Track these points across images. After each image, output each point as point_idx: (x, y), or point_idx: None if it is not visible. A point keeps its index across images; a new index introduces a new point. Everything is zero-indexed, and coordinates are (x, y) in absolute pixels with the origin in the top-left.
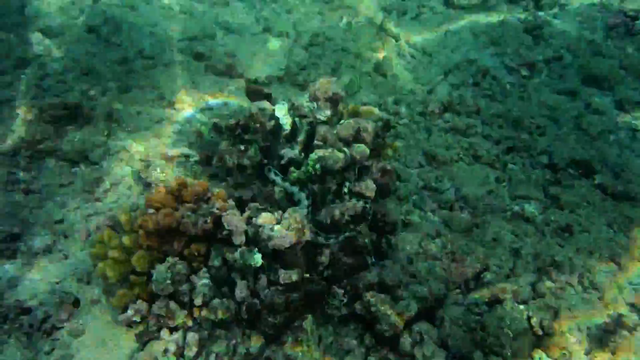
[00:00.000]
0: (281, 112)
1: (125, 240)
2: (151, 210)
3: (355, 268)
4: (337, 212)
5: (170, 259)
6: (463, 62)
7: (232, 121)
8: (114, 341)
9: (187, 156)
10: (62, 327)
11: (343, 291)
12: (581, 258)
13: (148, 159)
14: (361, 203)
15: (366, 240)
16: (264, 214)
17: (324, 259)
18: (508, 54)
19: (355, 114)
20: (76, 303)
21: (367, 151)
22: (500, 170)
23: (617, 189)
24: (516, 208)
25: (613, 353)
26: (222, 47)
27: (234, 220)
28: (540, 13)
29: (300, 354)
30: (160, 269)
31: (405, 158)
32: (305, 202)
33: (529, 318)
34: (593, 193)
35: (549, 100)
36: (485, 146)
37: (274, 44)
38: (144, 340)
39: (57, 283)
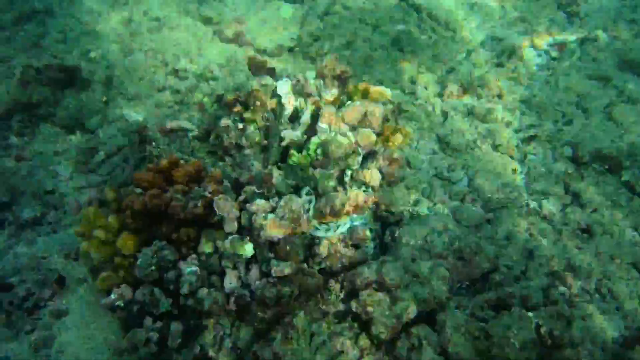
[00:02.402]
0: (284, 89)
1: (112, 220)
2: (138, 190)
3: (354, 262)
4: (337, 202)
5: (157, 243)
6: (488, 41)
7: (231, 97)
8: (97, 324)
9: (186, 130)
10: (45, 306)
11: (340, 286)
12: (600, 263)
13: (145, 130)
14: (363, 193)
15: (368, 233)
16: (258, 201)
17: (322, 250)
18: (538, 32)
19: (365, 94)
20: (61, 281)
21: (374, 137)
22: (519, 162)
23: None
24: (533, 204)
25: None
26: (232, 12)
27: (226, 205)
28: None
29: (289, 352)
30: (145, 254)
31: (418, 143)
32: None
33: (537, 327)
34: (619, 192)
35: (578, 86)
36: (504, 134)
37: (287, 10)
38: (128, 326)
39: (43, 258)
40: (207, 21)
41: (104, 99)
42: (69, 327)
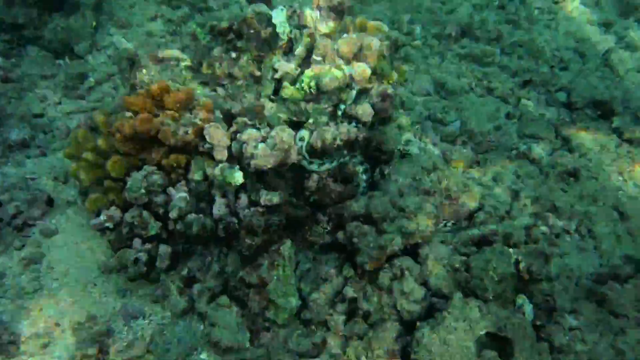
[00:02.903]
0: (279, 18)
1: (101, 142)
2: (129, 114)
3: (343, 196)
4: (328, 136)
5: (147, 168)
6: None
7: (224, 25)
8: (87, 244)
9: (177, 60)
10: (34, 225)
11: (327, 219)
12: (583, 205)
13: (135, 58)
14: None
15: (358, 168)
16: (249, 130)
17: (312, 184)
18: None
19: (362, 29)
20: (50, 202)
21: (369, 72)
22: (513, 106)
23: (634, 134)
24: (523, 147)
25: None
26: None
27: (217, 133)
28: None
29: (275, 277)
30: (135, 177)
31: (412, 84)
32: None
33: (517, 262)
34: (608, 137)
35: (578, 31)
36: (500, 78)
37: None
38: (117, 247)
39: (32, 180)
40: None
41: (94, 24)
42: (58, 246)
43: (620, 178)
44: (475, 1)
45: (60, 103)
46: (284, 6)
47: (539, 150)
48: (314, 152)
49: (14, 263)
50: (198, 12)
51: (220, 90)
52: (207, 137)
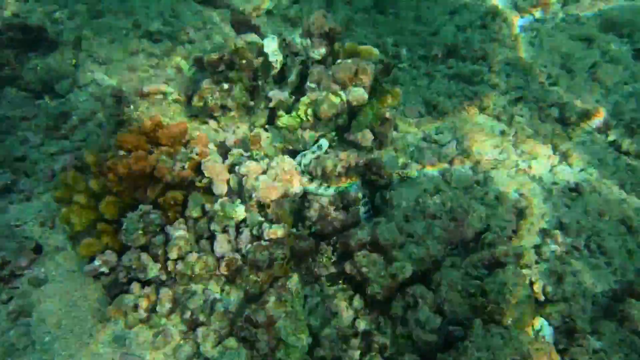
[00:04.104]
0: (270, 47)
1: (93, 184)
2: (122, 152)
3: (345, 224)
4: (329, 163)
5: (143, 207)
6: (471, 2)
7: (215, 56)
8: (79, 292)
9: (164, 93)
10: (22, 275)
11: (332, 248)
12: (589, 221)
13: (120, 94)
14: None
15: (359, 195)
16: (248, 163)
17: (313, 213)
18: None
19: (352, 54)
20: (38, 249)
21: (366, 96)
22: (507, 123)
23: (636, 149)
24: (522, 164)
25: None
26: None
27: (215, 167)
28: None
29: (283, 314)
30: (131, 218)
31: (404, 106)
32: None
33: (531, 283)
34: (606, 151)
35: (563, 47)
36: (491, 96)
37: None
38: (113, 293)
39: (17, 226)
40: None
41: (74, 62)
42: (49, 296)
43: (622, 191)
44: (458, 22)
45: (42, 144)
46: (275, 35)
47: (538, 166)
48: (312, 180)
49: (1, 318)
50: (180, 44)
51: (211, 122)
52: (205, 171)
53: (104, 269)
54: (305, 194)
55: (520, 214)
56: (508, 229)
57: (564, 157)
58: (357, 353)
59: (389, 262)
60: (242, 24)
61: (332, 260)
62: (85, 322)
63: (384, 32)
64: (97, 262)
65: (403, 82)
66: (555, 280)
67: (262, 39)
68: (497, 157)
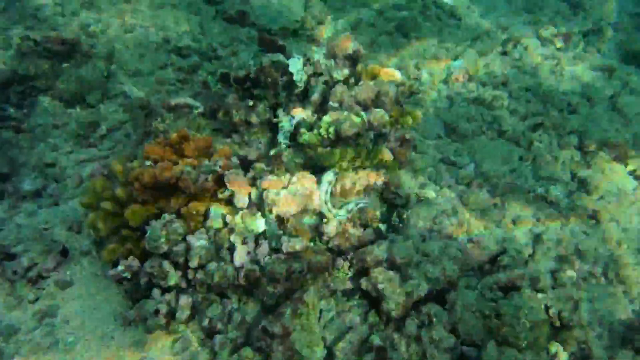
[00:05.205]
0: (295, 67)
1: (119, 192)
2: (148, 163)
3: (363, 241)
4: (347, 181)
5: (166, 216)
6: (493, 29)
7: (242, 73)
8: (103, 295)
9: (190, 107)
10: (49, 277)
11: (348, 264)
12: (607, 249)
13: (148, 106)
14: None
15: (377, 213)
16: (270, 177)
17: (331, 229)
18: (543, 22)
19: (374, 76)
20: (64, 252)
21: (387, 117)
22: (525, 148)
23: None
24: (540, 190)
25: (637, 352)
26: None
27: (237, 180)
28: None
29: (298, 326)
30: (154, 226)
31: (424, 127)
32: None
33: (547, 308)
34: (624, 180)
35: (583, 77)
36: (510, 121)
37: None
38: (134, 298)
39: (45, 230)
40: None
41: (105, 73)
42: (73, 298)
43: None
44: (479, 48)
45: (72, 152)
46: (300, 55)
47: (556, 192)
48: (332, 197)
49: (28, 317)
50: (207, 60)
51: (235, 136)
52: (227, 184)
53: (127, 274)
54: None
55: (537, 238)
56: (524, 253)
57: (583, 184)
58: None
59: (405, 280)
60: (268, 44)
61: (348, 276)
62: (107, 324)
63: (406, 55)
64: (120, 267)
65: (423, 104)
66: (572, 306)
67: (287, 59)
68: (514, 181)
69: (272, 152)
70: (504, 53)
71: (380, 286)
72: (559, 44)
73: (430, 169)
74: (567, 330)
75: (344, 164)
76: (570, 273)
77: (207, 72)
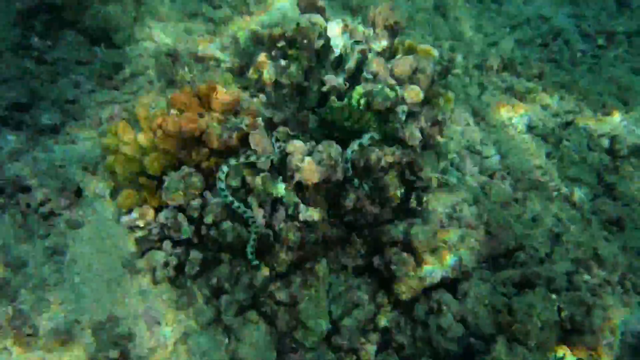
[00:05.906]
0: (334, 31)
1: (141, 138)
2: (174, 111)
3: (379, 219)
4: (373, 156)
5: (185, 168)
6: (534, 18)
7: (278, 31)
8: (112, 241)
9: (218, 60)
10: (61, 215)
11: (362, 241)
12: (627, 257)
13: (176, 54)
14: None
15: (398, 193)
16: (295, 142)
17: (349, 203)
18: (586, 17)
19: (411, 51)
20: (78, 192)
21: (422, 95)
22: (554, 146)
23: None
24: (564, 190)
25: None
26: None
27: (262, 141)
28: None
29: (306, 297)
30: (173, 177)
31: (452, 112)
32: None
33: (559, 310)
34: None
35: (622, 78)
36: (541, 116)
37: None
38: (145, 247)
39: (61, 167)
40: None
41: (133, 14)
42: (83, 239)
43: None
44: (518, 36)
45: (94, 91)
46: (340, 19)
47: (581, 194)
48: (354, 170)
49: (38, 252)
50: (239, 15)
51: (262, 96)
52: (252, 144)
53: (140, 223)
54: (344, 184)
55: (556, 238)
56: (541, 252)
57: (609, 189)
58: (374, 348)
59: (419, 264)
60: (308, 4)
61: (361, 253)
62: (114, 270)
63: (441, 35)
64: (134, 215)
65: (453, 89)
66: (584, 311)
67: (327, 22)
68: (539, 178)
69: (298, 117)
70: (544, 45)
71: (393, 267)
72: (601, 42)
73: (454, 155)
74: (577, 334)
75: (375, 135)
76: (586, 277)
77: (237, 27)
